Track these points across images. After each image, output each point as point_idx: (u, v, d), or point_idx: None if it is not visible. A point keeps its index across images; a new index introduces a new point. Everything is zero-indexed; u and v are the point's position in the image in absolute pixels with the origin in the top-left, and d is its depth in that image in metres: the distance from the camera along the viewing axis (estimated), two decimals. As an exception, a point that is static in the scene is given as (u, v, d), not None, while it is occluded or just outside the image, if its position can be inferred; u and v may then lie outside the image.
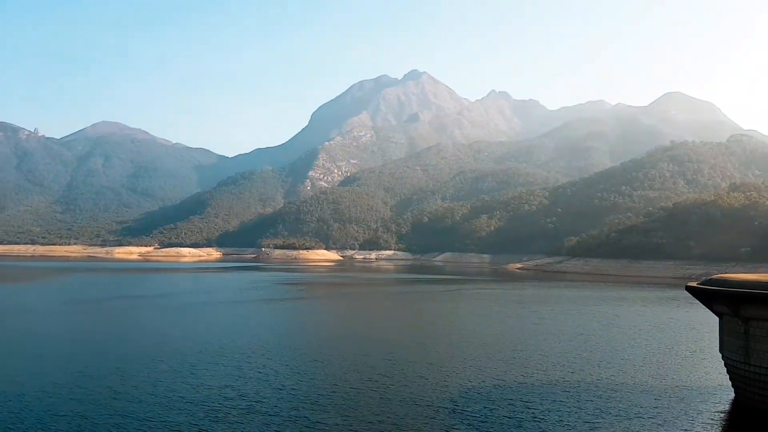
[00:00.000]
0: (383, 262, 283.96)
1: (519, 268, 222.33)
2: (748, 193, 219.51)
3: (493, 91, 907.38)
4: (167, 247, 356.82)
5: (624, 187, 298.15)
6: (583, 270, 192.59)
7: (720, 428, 25.08)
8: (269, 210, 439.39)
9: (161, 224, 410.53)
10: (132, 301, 79.09)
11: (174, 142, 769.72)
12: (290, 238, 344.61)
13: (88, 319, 60.70)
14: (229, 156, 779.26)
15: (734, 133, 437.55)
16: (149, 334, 49.87)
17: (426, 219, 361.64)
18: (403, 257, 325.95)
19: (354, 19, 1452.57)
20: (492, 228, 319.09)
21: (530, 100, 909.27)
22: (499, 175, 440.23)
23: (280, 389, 29.94)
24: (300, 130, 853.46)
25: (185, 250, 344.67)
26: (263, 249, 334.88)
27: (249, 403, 27.31)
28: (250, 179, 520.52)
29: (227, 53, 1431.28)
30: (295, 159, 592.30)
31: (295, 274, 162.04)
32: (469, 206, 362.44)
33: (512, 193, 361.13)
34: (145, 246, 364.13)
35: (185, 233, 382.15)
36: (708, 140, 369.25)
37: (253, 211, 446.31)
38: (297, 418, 25.04)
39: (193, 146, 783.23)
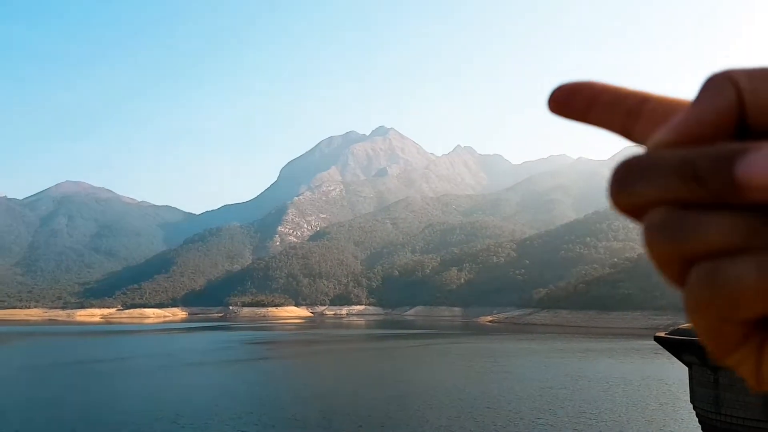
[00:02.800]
0: (354, 318, 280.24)
1: (490, 321, 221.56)
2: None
3: (459, 145, 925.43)
4: (131, 308, 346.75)
5: (589, 239, 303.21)
6: (552, 321, 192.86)
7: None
8: (237, 267, 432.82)
9: (125, 284, 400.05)
10: (87, 366, 75.68)
11: (139, 200, 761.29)
12: (259, 295, 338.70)
13: (38, 386, 57.66)
14: (196, 213, 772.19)
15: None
16: (102, 401, 47.40)
17: (396, 272, 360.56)
18: (375, 312, 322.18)
19: (322, 76, 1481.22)
20: (462, 281, 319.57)
21: (495, 154, 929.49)
22: (467, 227, 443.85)
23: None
24: (269, 185, 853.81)
25: (149, 311, 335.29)
26: (231, 307, 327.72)
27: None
28: (217, 236, 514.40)
29: (194, 110, 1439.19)
30: (263, 215, 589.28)
31: (263, 332, 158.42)
32: (438, 259, 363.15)
33: (480, 246, 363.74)
34: (108, 308, 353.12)
35: (149, 293, 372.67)
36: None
37: (221, 269, 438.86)
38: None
39: (159, 204, 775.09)
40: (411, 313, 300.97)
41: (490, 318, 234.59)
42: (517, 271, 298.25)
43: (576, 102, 0.75)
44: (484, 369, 66.67)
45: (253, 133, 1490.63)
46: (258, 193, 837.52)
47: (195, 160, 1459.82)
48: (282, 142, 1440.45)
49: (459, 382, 54.17)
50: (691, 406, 29.80)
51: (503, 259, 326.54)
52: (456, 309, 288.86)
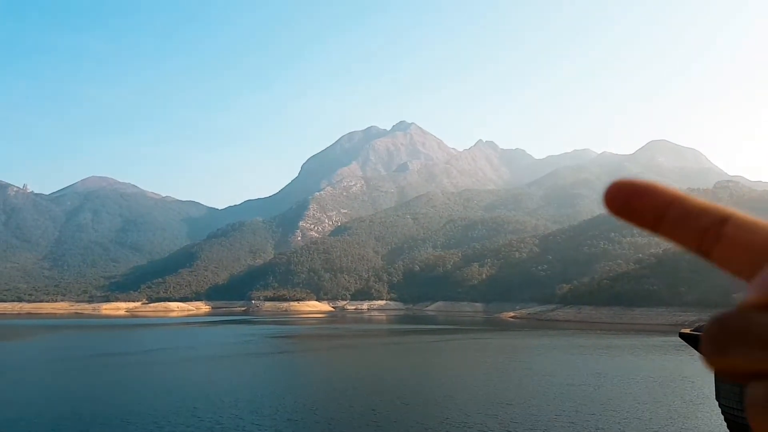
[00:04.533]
0: (375, 313, 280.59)
1: (512, 317, 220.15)
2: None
3: (480, 140, 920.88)
4: (155, 301, 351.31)
5: (613, 234, 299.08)
6: (575, 318, 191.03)
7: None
8: (259, 262, 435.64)
9: (149, 278, 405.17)
10: (112, 359, 76.78)
11: (163, 195, 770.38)
12: (280, 290, 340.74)
13: (64, 378, 58.64)
14: (219, 208, 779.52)
15: (720, 180, 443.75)
16: (124, 393, 47.97)
17: (417, 268, 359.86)
18: (395, 307, 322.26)
19: (343, 71, 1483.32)
20: (484, 276, 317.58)
21: (517, 149, 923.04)
22: (488, 222, 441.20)
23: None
24: (290, 181, 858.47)
25: (173, 305, 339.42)
26: (253, 302, 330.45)
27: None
28: (240, 231, 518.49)
29: (217, 106, 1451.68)
30: (285, 210, 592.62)
31: (285, 326, 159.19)
32: (460, 254, 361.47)
33: (502, 241, 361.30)
34: (133, 301, 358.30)
35: (174, 287, 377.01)
36: (695, 187, 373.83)
37: (243, 263, 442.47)
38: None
39: (183, 199, 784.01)
40: (432, 308, 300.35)
41: (512, 314, 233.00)
42: (539, 267, 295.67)
43: (639, 208, 0.77)
44: (505, 365, 66.17)
45: (275, 128, 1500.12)
46: (280, 189, 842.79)
47: (218, 155, 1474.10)
48: (303, 138, 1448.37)
49: (479, 379, 53.82)
50: (717, 403, 29.25)
51: (525, 255, 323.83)
52: (478, 305, 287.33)
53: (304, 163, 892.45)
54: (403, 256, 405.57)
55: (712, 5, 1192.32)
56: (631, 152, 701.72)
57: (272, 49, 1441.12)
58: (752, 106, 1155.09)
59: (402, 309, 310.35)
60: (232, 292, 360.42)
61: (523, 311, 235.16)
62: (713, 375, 28.52)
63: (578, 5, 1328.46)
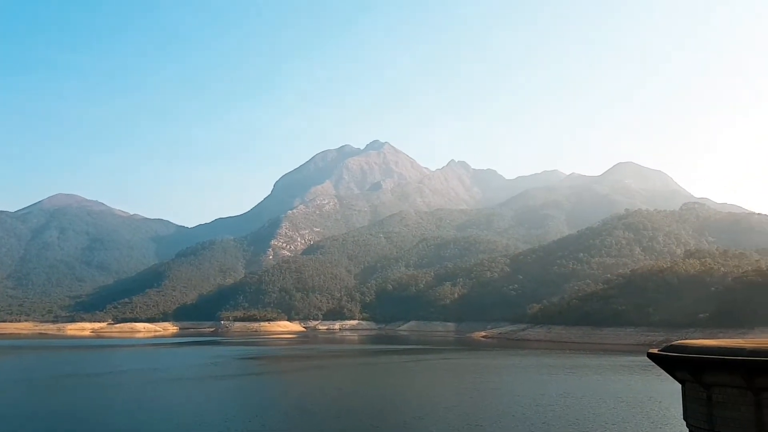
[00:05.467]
0: (347, 333, 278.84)
1: (483, 337, 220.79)
2: (703, 260, 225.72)
3: (453, 160, 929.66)
4: (121, 322, 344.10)
5: (582, 254, 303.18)
6: (546, 337, 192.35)
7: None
8: (230, 281, 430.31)
9: (116, 298, 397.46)
10: (77, 380, 74.73)
11: (132, 213, 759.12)
12: (251, 310, 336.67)
13: (28, 399, 56.77)
14: (189, 226, 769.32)
15: (687, 202, 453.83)
16: (90, 414, 46.65)
17: (390, 287, 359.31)
18: (368, 327, 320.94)
19: (317, 89, 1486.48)
20: (456, 295, 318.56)
21: (488, 169, 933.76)
22: (461, 242, 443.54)
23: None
24: (262, 199, 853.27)
25: (140, 326, 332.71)
26: (222, 322, 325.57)
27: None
28: (210, 250, 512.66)
29: (188, 124, 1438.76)
30: (257, 228, 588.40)
31: (255, 347, 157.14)
32: (432, 273, 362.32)
33: (474, 261, 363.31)
34: (99, 322, 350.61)
35: (140, 307, 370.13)
36: (661, 208, 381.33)
37: (213, 283, 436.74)
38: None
39: (152, 217, 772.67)
40: (404, 328, 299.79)
41: (483, 333, 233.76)
42: (510, 287, 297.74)
43: None
44: (475, 385, 66.11)
45: (247, 146, 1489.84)
46: (252, 207, 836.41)
47: (189, 173, 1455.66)
48: (276, 156, 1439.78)
49: (450, 398, 53.66)
50: (685, 423, 29.46)
51: (497, 274, 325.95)
52: (450, 324, 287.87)
53: (277, 181, 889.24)
54: (376, 275, 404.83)
55: (677, 28, 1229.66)
56: (599, 174, 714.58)
57: (244, 68, 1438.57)
58: (716, 129, 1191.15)
59: (374, 329, 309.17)
60: (201, 312, 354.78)
61: (494, 331, 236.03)
62: (681, 395, 28.85)
63: (548, 24, 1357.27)
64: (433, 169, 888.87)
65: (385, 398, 55.61)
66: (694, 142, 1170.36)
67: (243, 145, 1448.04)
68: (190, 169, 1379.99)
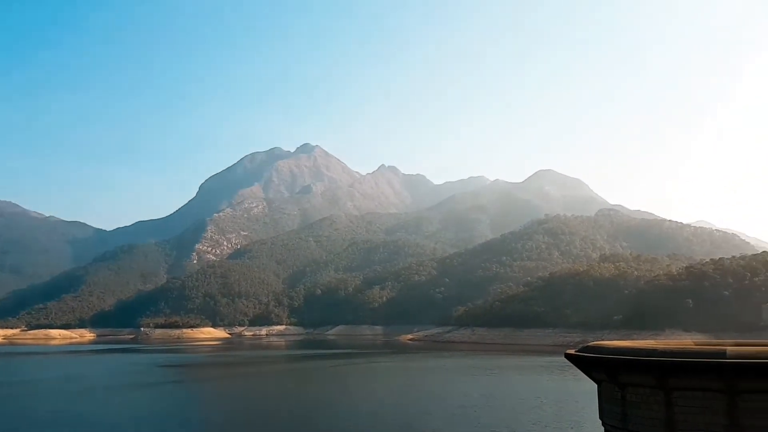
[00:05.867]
0: (274, 338, 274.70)
1: (410, 339, 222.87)
2: (618, 264, 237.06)
3: (383, 164, 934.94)
4: (35, 328, 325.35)
5: (505, 258, 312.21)
6: (470, 339, 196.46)
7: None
8: (150, 286, 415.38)
9: (30, 304, 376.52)
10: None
11: (47, 214, 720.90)
12: (173, 316, 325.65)
13: None
14: (108, 229, 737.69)
15: (602, 208, 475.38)
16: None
17: (319, 291, 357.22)
18: (296, 332, 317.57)
19: (247, 89, 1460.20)
20: (384, 299, 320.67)
21: (418, 174, 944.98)
22: (390, 246, 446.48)
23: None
24: (187, 201, 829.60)
25: (55, 332, 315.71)
26: (142, 329, 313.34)
27: None
28: (130, 254, 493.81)
29: (107, 121, 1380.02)
30: (181, 232, 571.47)
31: (177, 355, 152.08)
32: (361, 277, 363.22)
33: (403, 264, 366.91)
34: (11, 328, 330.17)
35: (56, 313, 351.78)
36: (579, 214, 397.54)
37: (133, 288, 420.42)
38: None
39: (69, 219, 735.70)
40: (333, 332, 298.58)
41: (410, 336, 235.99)
42: (437, 290, 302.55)
43: None
44: (400, 388, 66.38)
45: (171, 145, 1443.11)
46: (175, 209, 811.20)
47: (109, 173, 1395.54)
48: (203, 157, 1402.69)
49: (375, 403, 53.54)
50: (601, 422, 30.52)
51: (425, 278, 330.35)
52: (378, 327, 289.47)
53: (202, 183, 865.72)
54: (305, 280, 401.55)
55: (598, 43, 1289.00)
56: (521, 181, 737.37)
57: (171, 63, 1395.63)
58: (628, 139, 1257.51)
59: (302, 334, 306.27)
60: (120, 319, 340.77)
61: (421, 333, 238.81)
62: (597, 394, 29.86)
63: (478, 32, 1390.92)
64: (364, 173, 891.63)
65: (309, 404, 54.88)
66: (610, 151, 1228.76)
67: (166, 145, 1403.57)
68: (111, 168, 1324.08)
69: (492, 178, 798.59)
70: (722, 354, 25.16)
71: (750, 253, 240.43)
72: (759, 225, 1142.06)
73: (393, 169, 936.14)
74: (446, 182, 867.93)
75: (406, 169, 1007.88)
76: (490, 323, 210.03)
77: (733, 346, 28.49)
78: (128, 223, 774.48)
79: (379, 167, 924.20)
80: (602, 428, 30.24)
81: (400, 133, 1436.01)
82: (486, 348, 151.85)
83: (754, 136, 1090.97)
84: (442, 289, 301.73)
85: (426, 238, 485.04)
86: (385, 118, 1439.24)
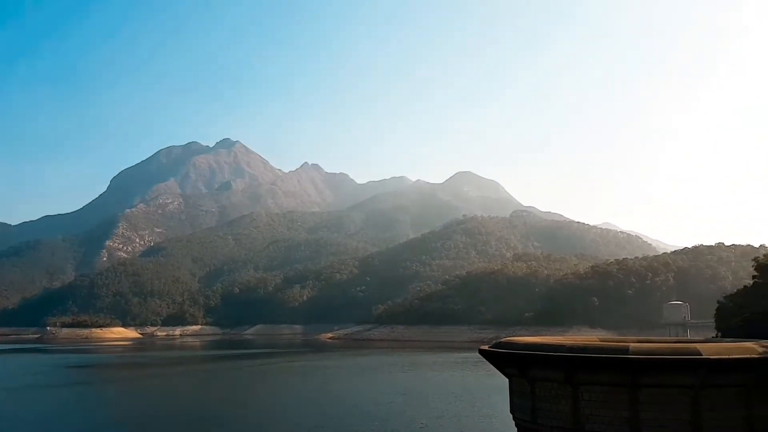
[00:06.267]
0: (189, 339, 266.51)
1: (330, 338, 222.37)
2: (530, 263, 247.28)
3: (306, 163, 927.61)
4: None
5: (424, 257, 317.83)
6: (389, 337, 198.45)
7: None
8: (57, 284, 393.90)
9: None
10: None
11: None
12: (81, 316, 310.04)
13: None
14: (12, 224, 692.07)
15: (516, 209, 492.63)
16: None
17: (237, 290, 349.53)
18: (212, 332, 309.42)
19: (164, 82, 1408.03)
20: (305, 298, 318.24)
21: (341, 173, 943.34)
22: (312, 244, 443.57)
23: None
24: (97, 196, 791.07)
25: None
26: (48, 328, 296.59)
27: None
28: (35, 249, 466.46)
29: (13, 110, 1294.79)
30: (90, 228, 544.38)
31: (84, 355, 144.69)
32: (282, 276, 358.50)
33: (324, 263, 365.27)
34: None
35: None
36: (494, 215, 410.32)
37: (38, 286, 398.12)
38: None
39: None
40: (251, 332, 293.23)
41: (330, 335, 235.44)
42: (358, 288, 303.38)
43: None
44: (316, 388, 66.01)
45: (81, 136, 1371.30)
46: (84, 204, 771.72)
47: (12, 164, 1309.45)
48: (115, 150, 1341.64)
49: (289, 403, 52.91)
50: (512, 416, 31.47)
51: (346, 276, 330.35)
52: (297, 327, 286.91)
53: (114, 177, 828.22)
54: (223, 279, 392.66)
55: (520, 48, 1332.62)
56: (442, 182, 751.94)
57: (83, 51, 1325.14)
58: (542, 143, 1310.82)
59: (218, 334, 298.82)
60: (24, 317, 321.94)
61: (341, 332, 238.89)
62: (509, 389, 30.74)
63: (407, 34, 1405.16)
64: (287, 171, 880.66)
65: (222, 406, 53.55)
66: (524, 155, 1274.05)
67: (76, 137, 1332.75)
68: (16, 161, 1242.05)
69: (414, 179, 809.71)
70: (625, 350, 26.44)
71: (651, 254, 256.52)
72: (660, 227, 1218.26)
73: (316, 168, 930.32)
74: (369, 182, 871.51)
75: (329, 167, 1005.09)
76: (409, 321, 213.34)
77: (635, 342, 30.03)
78: (35, 218, 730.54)
79: (302, 165, 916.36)
80: (513, 422, 31.08)
81: (324, 132, 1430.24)
82: (405, 345, 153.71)
83: (658, 139, 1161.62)
84: (364, 287, 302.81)
85: (348, 237, 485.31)
86: (309, 116, 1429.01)
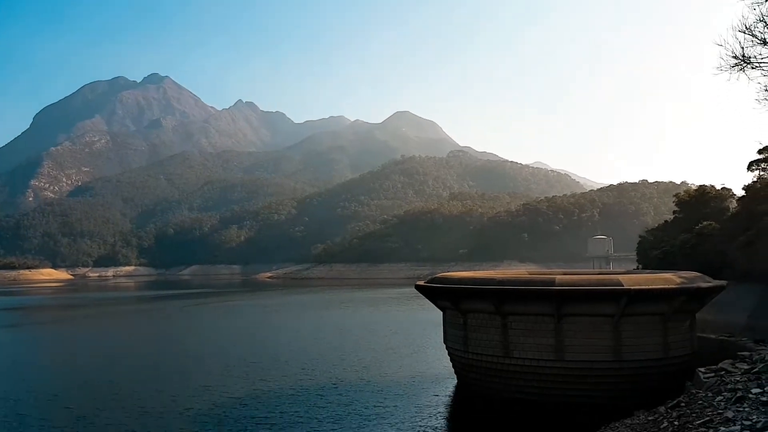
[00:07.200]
0: (123, 280, 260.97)
1: (269, 278, 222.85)
2: (465, 202, 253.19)
3: (240, 100, 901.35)
4: None
5: (363, 197, 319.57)
6: (328, 275, 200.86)
7: (445, 411, 26.92)
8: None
9: None
10: None
11: None
12: (7, 257, 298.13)
13: None
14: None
15: (453, 150, 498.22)
16: None
17: (171, 231, 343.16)
18: (146, 273, 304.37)
19: (87, 14, 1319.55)
20: (242, 239, 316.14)
21: (277, 112, 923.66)
22: (248, 185, 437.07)
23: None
24: (20, 133, 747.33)
25: None
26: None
27: None
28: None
29: None
30: (13, 166, 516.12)
31: (13, 297, 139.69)
32: (218, 217, 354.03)
33: (262, 204, 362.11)
34: None
35: None
36: (432, 155, 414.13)
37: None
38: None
39: None
40: (187, 272, 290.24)
41: (269, 274, 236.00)
42: (296, 228, 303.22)
43: None
44: (254, 326, 66.40)
45: (1, 72, 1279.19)
46: (6, 142, 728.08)
47: None
48: (35, 85, 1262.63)
49: (225, 342, 53.17)
50: (445, 346, 32.94)
51: (284, 217, 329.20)
52: (235, 267, 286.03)
53: (37, 114, 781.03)
54: (156, 219, 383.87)
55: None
56: (380, 121, 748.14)
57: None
58: (475, 81, 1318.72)
59: (153, 275, 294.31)
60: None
61: (280, 271, 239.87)
62: (442, 321, 31.96)
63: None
64: (220, 109, 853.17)
65: (155, 346, 53.32)
66: (460, 94, 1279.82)
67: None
68: None
69: (352, 119, 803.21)
70: (551, 282, 27.75)
71: (579, 191, 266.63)
72: (588, 166, 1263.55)
73: (251, 106, 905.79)
74: (307, 121, 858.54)
75: (264, 106, 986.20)
76: (348, 259, 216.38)
77: (561, 275, 31.50)
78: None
79: (236, 103, 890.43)
80: (446, 352, 32.36)
81: (258, 68, 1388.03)
82: (343, 283, 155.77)
83: (587, 79, 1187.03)
84: (302, 228, 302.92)
85: (286, 177, 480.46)
86: (241, 51, 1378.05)
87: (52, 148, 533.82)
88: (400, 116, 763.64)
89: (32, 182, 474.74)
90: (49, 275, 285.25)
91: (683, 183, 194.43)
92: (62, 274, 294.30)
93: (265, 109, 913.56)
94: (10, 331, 70.50)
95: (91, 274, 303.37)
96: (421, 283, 32.65)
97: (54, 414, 27.64)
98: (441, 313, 32.40)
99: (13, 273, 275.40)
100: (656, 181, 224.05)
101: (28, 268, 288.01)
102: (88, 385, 34.74)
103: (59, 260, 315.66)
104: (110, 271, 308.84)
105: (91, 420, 26.28)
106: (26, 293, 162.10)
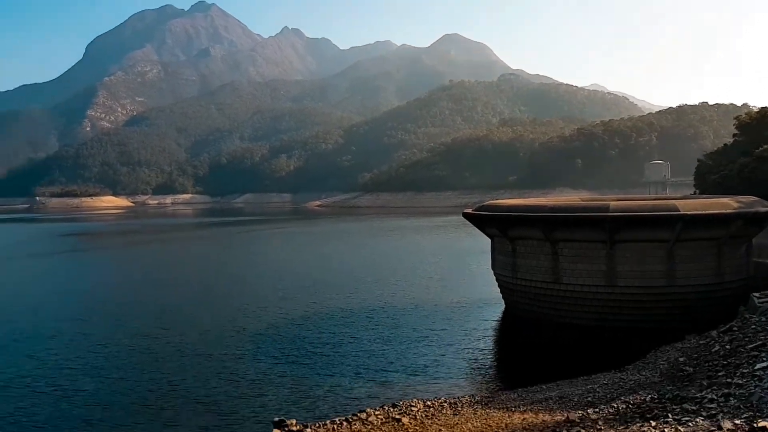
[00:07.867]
0: (180, 207, 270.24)
1: (318, 206, 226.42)
2: (515, 128, 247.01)
3: (286, 27, 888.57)
4: None
5: (410, 125, 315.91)
6: (375, 204, 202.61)
7: (493, 334, 27.60)
8: (42, 155, 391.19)
9: None
10: None
11: None
12: (70, 185, 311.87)
13: None
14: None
15: (504, 73, 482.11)
16: None
17: (224, 160, 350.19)
18: (202, 200, 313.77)
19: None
20: (292, 167, 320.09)
21: (323, 38, 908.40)
22: (296, 114, 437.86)
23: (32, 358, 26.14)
24: (73, 64, 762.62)
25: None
26: (38, 198, 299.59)
27: None
28: (16, 120, 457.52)
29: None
30: (69, 97, 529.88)
31: (78, 224, 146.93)
32: (268, 146, 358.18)
33: (309, 133, 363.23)
34: None
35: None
36: (482, 80, 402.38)
37: (23, 157, 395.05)
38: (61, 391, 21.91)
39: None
40: (240, 200, 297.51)
41: (318, 203, 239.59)
42: (344, 158, 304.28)
43: None
44: (305, 251, 68.23)
45: (50, 3, 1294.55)
46: (61, 73, 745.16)
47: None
48: (87, 14, 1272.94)
49: (281, 266, 54.97)
50: (493, 272, 33.26)
51: (331, 146, 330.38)
52: (286, 195, 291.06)
53: (89, 44, 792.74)
54: (209, 149, 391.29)
55: None
56: (427, 45, 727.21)
57: None
58: (530, 2, 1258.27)
59: (209, 202, 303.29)
60: (12, 188, 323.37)
61: (329, 200, 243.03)
62: (491, 248, 32.16)
63: None
64: (266, 36, 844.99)
65: (219, 268, 55.67)
66: (513, 13, 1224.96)
67: (44, 1, 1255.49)
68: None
69: (399, 43, 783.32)
70: (606, 208, 27.27)
71: (637, 114, 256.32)
72: (647, 88, 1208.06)
73: (297, 32, 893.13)
74: (352, 47, 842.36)
75: (310, 32, 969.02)
76: (394, 188, 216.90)
77: (615, 201, 30.87)
78: (11, 87, 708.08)
79: (282, 30, 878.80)
80: (494, 278, 32.56)
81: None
82: (390, 212, 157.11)
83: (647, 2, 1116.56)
84: (349, 157, 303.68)
85: (333, 106, 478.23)
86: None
87: (106, 79, 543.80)
88: (448, 39, 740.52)
89: (89, 112, 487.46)
90: (111, 202, 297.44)
91: (744, 105, 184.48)
92: (123, 201, 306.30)
93: (311, 36, 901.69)
94: (78, 254, 74.70)
95: (150, 202, 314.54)
96: (469, 210, 32.71)
97: (119, 335, 29.57)
98: (488, 240, 32.53)
99: (75, 200, 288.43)
100: (716, 104, 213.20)
101: (90, 195, 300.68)
102: (153, 306, 36.84)
103: (119, 188, 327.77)
104: (169, 199, 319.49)
105: (155, 337, 28.09)
106: (90, 220, 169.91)
